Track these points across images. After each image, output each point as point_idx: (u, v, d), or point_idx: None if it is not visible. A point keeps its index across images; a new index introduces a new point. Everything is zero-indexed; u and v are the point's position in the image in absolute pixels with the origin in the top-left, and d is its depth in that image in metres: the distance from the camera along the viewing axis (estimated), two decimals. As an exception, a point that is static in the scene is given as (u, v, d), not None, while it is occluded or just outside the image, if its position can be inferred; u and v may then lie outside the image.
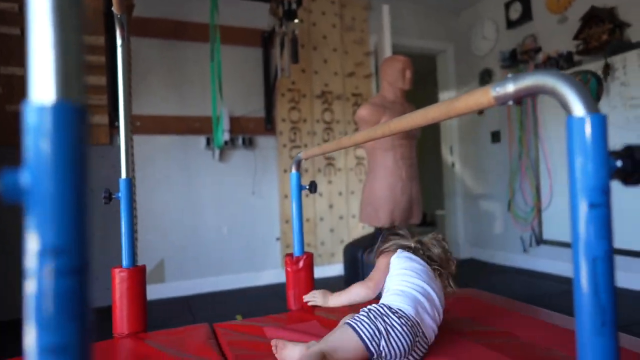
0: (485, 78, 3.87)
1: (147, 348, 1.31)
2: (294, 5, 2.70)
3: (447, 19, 4.19)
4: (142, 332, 1.46)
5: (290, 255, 1.71)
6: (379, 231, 2.56)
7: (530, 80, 0.60)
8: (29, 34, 0.34)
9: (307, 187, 1.75)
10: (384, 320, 1.08)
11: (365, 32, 3.75)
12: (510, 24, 3.57)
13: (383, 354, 1.05)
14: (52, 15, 0.34)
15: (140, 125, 3.05)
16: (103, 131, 2.90)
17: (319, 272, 3.42)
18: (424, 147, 4.48)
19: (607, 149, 0.52)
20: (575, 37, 2.99)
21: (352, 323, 1.09)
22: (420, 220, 2.63)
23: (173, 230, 3.15)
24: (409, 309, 1.12)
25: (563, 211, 3.21)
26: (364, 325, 1.07)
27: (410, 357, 1.09)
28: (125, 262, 1.48)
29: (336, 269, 3.55)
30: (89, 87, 2.49)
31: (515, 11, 3.51)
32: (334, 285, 3.13)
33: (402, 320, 1.08)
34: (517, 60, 3.45)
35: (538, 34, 3.36)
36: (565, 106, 0.55)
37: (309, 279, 1.70)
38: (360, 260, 2.45)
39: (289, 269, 1.70)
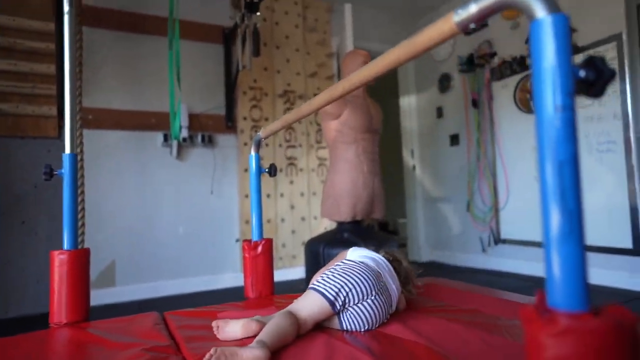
0: (444, 83, 3.97)
1: (89, 335, 1.19)
2: (255, -2, 2.67)
3: (408, 24, 4.29)
4: (83, 322, 1.34)
5: (248, 240, 1.64)
6: (341, 225, 2.52)
7: (492, -4, 0.58)
8: None
9: (267, 170, 1.69)
10: (345, 273, 1.09)
11: (328, 34, 3.77)
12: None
13: (347, 301, 1.05)
14: None
15: (92, 118, 2.90)
16: (51, 123, 2.73)
17: (280, 275, 3.34)
18: (385, 150, 4.52)
19: (570, 49, 0.51)
20: (527, 41, 3.12)
21: (315, 287, 1.09)
22: (383, 215, 2.61)
23: (125, 231, 2.99)
24: (370, 263, 1.16)
25: (519, 210, 3.29)
26: (327, 286, 1.07)
27: (373, 310, 1.08)
28: (66, 244, 1.36)
29: (298, 272, 3.47)
30: (36, 75, 2.34)
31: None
32: (295, 288, 3.06)
33: (363, 266, 1.12)
34: (474, 65, 3.56)
35: (493, 39, 3.49)
36: (527, 11, 0.53)
37: (267, 264, 1.63)
38: (321, 254, 2.39)
39: (246, 255, 1.63)
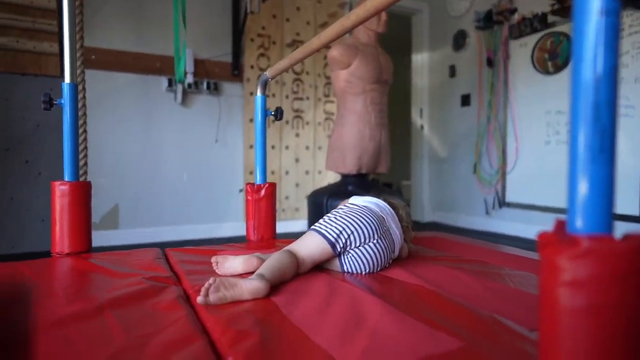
0: (459, 40, 3.83)
1: (89, 265, 1.19)
2: None
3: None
4: (85, 253, 1.34)
5: (252, 184, 1.62)
6: (345, 178, 2.50)
7: None
8: None
9: (273, 112, 1.64)
10: (348, 216, 1.07)
11: (341, -18, 3.60)
12: (488, -16, 3.52)
13: (348, 243, 1.04)
14: None
15: (95, 58, 2.82)
16: (52, 61, 2.66)
17: (282, 227, 3.35)
18: (393, 108, 4.43)
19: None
20: (551, -4, 2.96)
21: (317, 228, 1.08)
22: (388, 169, 2.58)
23: (129, 175, 2.98)
24: (374, 207, 1.13)
25: (527, 174, 3.24)
26: (329, 228, 1.06)
27: (375, 254, 1.06)
28: (67, 175, 1.34)
29: (300, 224, 3.48)
30: (36, 9, 2.23)
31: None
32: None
33: (366, 210, 1.10)
34: (492, 21, 3.41)
35: (515, -6, 3.32)
36: None
37: (270, 208, 1.61)
38: (324, 205, 2.38)
39: (249, 198, 1.61)
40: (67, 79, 1.36)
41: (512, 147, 3.36)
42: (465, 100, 3.80)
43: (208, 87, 3.15)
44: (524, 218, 3.28)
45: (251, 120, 3.25)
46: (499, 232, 3.47)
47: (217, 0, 3.23)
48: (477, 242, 1.65)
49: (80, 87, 2.45)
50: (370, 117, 2.42)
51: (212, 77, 3.19)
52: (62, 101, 1.34)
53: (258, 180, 1.62)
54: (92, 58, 2.80)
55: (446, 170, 4.05)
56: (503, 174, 3.42)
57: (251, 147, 3.25)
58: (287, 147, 3.44)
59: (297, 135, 3.48)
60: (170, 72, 3.01)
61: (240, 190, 3.33)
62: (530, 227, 3.21)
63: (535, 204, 3.17)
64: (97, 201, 2.83)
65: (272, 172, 3.38)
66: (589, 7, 0.45)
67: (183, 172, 3.14)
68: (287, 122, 3.43)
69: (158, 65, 3.02)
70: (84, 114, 2.10)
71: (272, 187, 1.62)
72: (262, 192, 1.60)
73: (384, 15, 2.44)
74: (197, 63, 3.11)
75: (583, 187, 0.45)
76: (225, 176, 3.29)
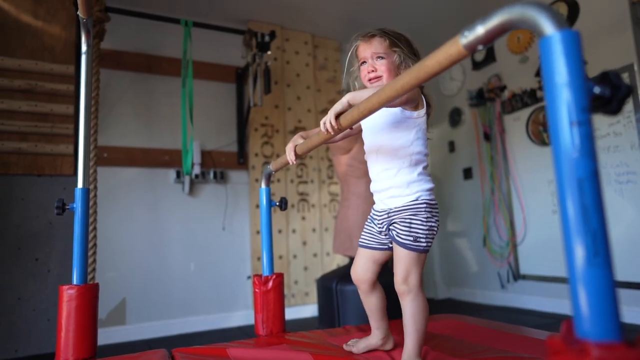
0: (455, 117, 3.98)
1: (94, 373, 1.16)
2: (267, 38, 2.76)
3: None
4: (90, 359, 1.30)
5: (259, 275, 1.61)
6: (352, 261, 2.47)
7: (499, 17, 0.58)
8: None
9: (277, 203, 1.68)
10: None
11: (338, 72, 3.84)
12: (476, 65, 3.74)
13: None
14: None
15: (107, 156, 2.95)
16: (67, 161, 2.78)
17: (293, 313, 3.26)
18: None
19: (582, 65, 0.49)
20: (537, 75, 3.13)
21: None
22: (396, 249, 2.55)
23: (136, 268, 2.97)
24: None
25: (538, 245, 3.20)
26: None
27: None
28: (76, 278, 1.35)
29: (311, 309, 3.38)
30: (55, 115, 2.39)
31: (480, 53, 3.69)
32: (308, 327, 2.97)
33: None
34: (484, 98, 3.58)
35: (502, 73, 3.52)
36: (536, 30, 0.52)
37: (278, 300, 1.59)
38: (334, 290, 2.33)
39: (257, 290, 1.59)
40: (80, 184, 1.42)
41: (519, 218, 3.34)
42: (467, 173, 3.86)
43: (215, 176, 3.25)
44: (541, 291, 3.17)
45: (257, 206, 3.30)
46: (516, 306, 3.34)
47: (222, 94, 3.45)
48: (496, 325, 1.59)
49: (91, 187, 2.54)
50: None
51: (218, 166, 3.30)
52: (74, 205, 1.38)
53: (265, 271, 1.61)
54: (104, 156, 2.93)
55: (456, 244, 4.00)
56: (514, 245, 3.37)
57: (258, 232, 3.27)
58: (293, 231, 3.45)
59: (303, 218, 3.50)
60: (178, 164, 3.12)
61: (249, 277, 3.28)
62: (548, 300, 3.09)
63: (550, 275, 3.08)
64: (104, 296, 2.79)
65: (280, 257, 3.35)
66: (561, 119, 0.49)
67: (190, 261, 3.13)
68: (292, 205, 3.47)
69: (166, 159, 3.14)
70: (95, 212, 2.15)
71: (280, 278, 1.61)
72: (270, 283, 1.59)
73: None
74: (204, 154, 3.23)
75: (583, 292, 0.46)
76: (232, 263, 3.26)
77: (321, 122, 1.09)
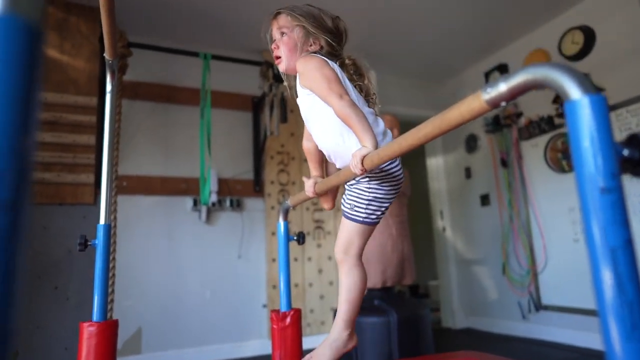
0: (471, 143, 3.97)
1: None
2: (284, 69, 2.80)
3: (431, 88, 4.39)
4: (108, 398, 1.30)
5: (277, 311, 1.59)
6: (370, 291, 2.44)
7: (522, 76, 0.58)
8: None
9: (295, 237, 1.68)
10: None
11: (353, 99, 3.88)
12: (491, 92, 3.73)
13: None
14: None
15: (126, 185, 3.01)
16: (88, 190, 2.83)
17: (309, 342, 3.20)
18: (414, 212, 4.46)
19: (611, 129, 0.49)
20: (554, 101, 3.11)
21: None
22: (414, 280, 2.52)
23: (153, 296, 2.97)
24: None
25: (560, 274, 3.12)
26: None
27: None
28: (96, 315, 1.35)
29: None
30: (77, 145, 2.45)
31: (495, 79, 3.69)
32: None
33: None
34: (500, 125, 3.56)
35: (518, 100, 3.51)
36: (561, 93, 0.52)
37: (296, 336, 1.57)
38: (351, 323, 2.29)
39: (274, 326, 1.57)
40: (102, 220, 1.44)
41: (539, 246, 3.28)
42: (485, 200, 3.82)
43: (231, 204, 3.27)
44: (564, 322, 3.07)
45: (273, 234, 3.30)
46: (538, 338, 3.24)
47: (239, 123, 3.50)
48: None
49: (112, 218, 2.57)
50: (392, 230, 2.44)
51: (234, 194, 3.32)
52: (96, 242, 1.40)
53: (283, 307, 1.59)
54: (123, 185, 2.99)
55: (474, 272, 3.92)
56: (534, 274, 3.29)
57: (274, 260, 3.26)
58: (309, 259, 3.43)
59: (319, 246, 3.49)
60: (195, 192, 3.16)
61: (264, 306, 3.26)
62: (572, 333, 2.99)
63: (574, 307, 2.99)
64: (121, 326, 2.80)
65: (296, 285, 3.33)
66: (590, 185, 0.48)
67: (206, 289, 3.13)
68: (308, 233, 3.46)
69: (183, 187, 3.18)
70: (114, 243, 2.18)
71: (298, 313, 1.59)
72: (288, 319, 1.57)
73: (396, 132, 2.58)
74: (221, 182, 3.27)
75: (623, 368, 0.44)
76: (248, 291, 3.25)
77: (351, 165, 1.05)
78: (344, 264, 1.23)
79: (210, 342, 3.05)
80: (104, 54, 1.43)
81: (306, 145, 1.41)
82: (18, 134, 0.29)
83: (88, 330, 1.32)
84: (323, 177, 1.41)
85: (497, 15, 3.18)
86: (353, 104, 1.09)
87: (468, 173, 4.02)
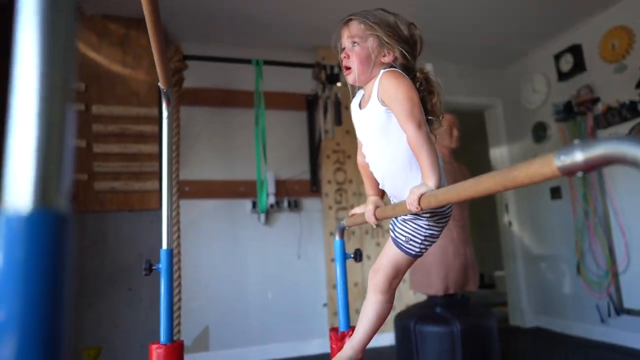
0: (539, 132, 3.69)
1: None
2: (336, 70, 2.76)
3: (493, 74, 4.12)
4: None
5: (335, 330, 1.59)
6: (432, 299, 2.37)
7: (602, 149, 0.50)
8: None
9: (352, 255, 1.65)
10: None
11: (409, 92, 3.73)
12: (562, 76, 3.43)
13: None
14: (37, 116, 0.30)
15: (188, 190, 3.13)
16: (154, 196, 2.99)
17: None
18: (477, 205, 4.26)
19: None
20: (638, 86, 2.80)
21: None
22: (477, 287, 2.41)
23: (218, 296, 3.10)
24: None
25: (643, 275, 2.85)
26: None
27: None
28: (163, 337, 1.42)
29: (387, 338, 3.30)
30: (143, 155, 2.56)
31: (567, 62, 3.38)
32: (386, 357, 2.90)
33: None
34: (573, 112, 3.27)
35: (594, 84, 3.19)
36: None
37: (355, 358, 1.55)
38: (412, 331, 2.25)
39: (333, 346, 1.57)
40: (164, 244, 1.49)
41: (619, 244, 3.00)
42: (555, 193, 3.55)
43: (289, 205, 3.30)
44: (650, 328, 2.81)
45: (331, 234, 3.30)
46: (619, 344, 3.00)
47: (293, 123, 3.50)
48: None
49: (174, 221, 2.69)
50: (452, 234, 2.34)
51: (292, 195, 3.35)
52: (160, 267, 1.46)
53: (341, 327, 1.58)
54: (185, 190, 3.11)
55: (544, 269, 3.69)
56: (615, 275, 3.03)
57: (332, 260, 3.26)
58: (368, 257, 3.40)
59: (378, 244, 3.44)
60: (253, 194, 3.22)
61: (324, 305, 3.29)
62: (660, 341, 2.74)
63: (661, 312, 2.73)
64: (189, 323, 2.97)
65: (355, 284, 3.32)
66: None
67: (267, 290, 3.21)
68: (366, 232, 3.43)
69: (242, 190, 3.26)
70: (179, 257, 2.28)
71: (356, 333, 1.58)
72: (347, 339, 1.56)
73: (455, 132, 2.45)
74: (278, 184, 3.30)
75: None
76: (308, 291, 3.29)
77: (407, 200, 0.99)
78: (380, 295, 1.21)
79: (273, 341, 3.14)
80: (159, 83, 1.46)
81: (363, 162, 1.32)
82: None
83: (156, 352, 1.39)
84: (380, 197, 1.36)
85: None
86: (429, 137, 1.02)
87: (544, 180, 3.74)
